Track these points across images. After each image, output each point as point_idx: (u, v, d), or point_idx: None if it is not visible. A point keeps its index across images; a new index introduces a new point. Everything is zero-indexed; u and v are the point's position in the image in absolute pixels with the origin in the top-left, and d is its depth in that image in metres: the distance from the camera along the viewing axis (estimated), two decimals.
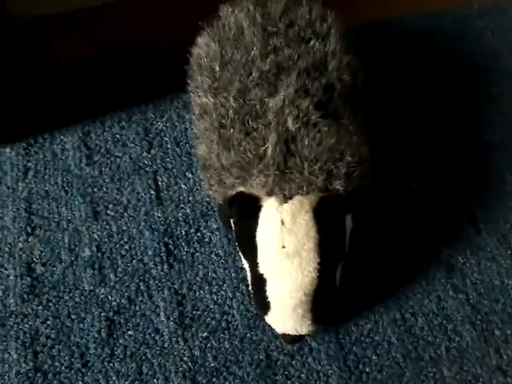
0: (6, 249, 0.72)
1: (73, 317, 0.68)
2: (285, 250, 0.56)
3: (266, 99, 0.59)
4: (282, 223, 0.56)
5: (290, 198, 0.57)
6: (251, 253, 0.59)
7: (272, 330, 0.64)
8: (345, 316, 0.67)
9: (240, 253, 0.62)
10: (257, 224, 0.58)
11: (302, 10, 0.65)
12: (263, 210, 0.57)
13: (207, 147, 0.61)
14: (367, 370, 0.64)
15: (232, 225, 0.62)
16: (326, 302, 0.59)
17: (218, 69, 0.62)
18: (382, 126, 0.79)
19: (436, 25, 0.92)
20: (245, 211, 0.58)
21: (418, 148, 0.79)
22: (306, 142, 0.57)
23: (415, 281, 0.70)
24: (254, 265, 0.59)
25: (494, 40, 0.90)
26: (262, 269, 0.58)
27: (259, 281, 0.59)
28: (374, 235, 0.72)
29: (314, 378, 0.64)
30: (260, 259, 0.58)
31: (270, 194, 0.57)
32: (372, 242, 0.71)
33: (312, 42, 0.62)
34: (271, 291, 0.58)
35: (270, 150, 0.56)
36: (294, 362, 0.65)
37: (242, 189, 0.58)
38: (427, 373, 0.64)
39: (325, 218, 0.57)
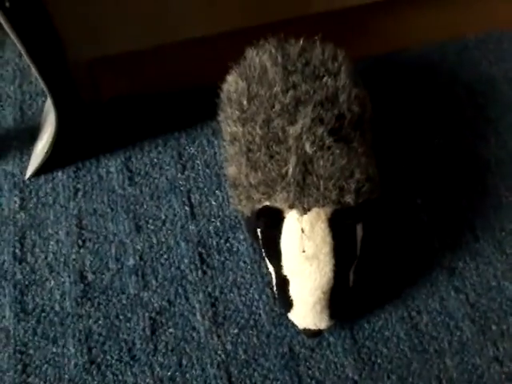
0: (61, 259, 0.78)
1: (120, 317, 0.74)
2: (305, 254, 0.62)
3: (286, 127, 0.65)
4: (302, 231, 0.62)
5: (309, 210, 0.62)
6: (276, 258, 0.65)
7: (294, 326, 0.70)
8: (358, 314, 0.73)
9: (266, 258, 0.69)
10: (280, 233, 0.64)
11: (316, 50, 0.71)
12: (286, 220, 0.63)
13: (237, 168, 0.68)
14: (379, 361, 0.70)
15: (259, 234, 0.68)
16: (341, 299, 0.66)
17: (245, 102, 0.68)
18: (390, 148, 0.85)
19: (437, 55, 0.97)
20: (270, 222, 0.64)
21: (422, 166, 0.85)
22: (322, 163, 0.63)
23: (420, 283, 0.75)
24: (278, 268, 0.65)
25: (490, 68, 0.96)
26: (285, 271, 0.64)
27: (283, 282, 0.65)
28: (383, 242, 0.77)
29: (332, 369, 0.70)
30: (284, 263, 0.64)
31: (291, 206, 0.63)
32: (381, 248, 0.77)
33: (325, 79, 0.68)
34: (294, 290, 0.65)
35: (290, 170, 0.63)
36: (314, 355, 0.70)
37: (267, 203, 0.64)
38: (432, 363, 0.70)
39: (338, 227, 0.63)
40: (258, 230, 0.68)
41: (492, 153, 0.86)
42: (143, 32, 0.79)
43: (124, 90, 0.91)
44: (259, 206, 0.65)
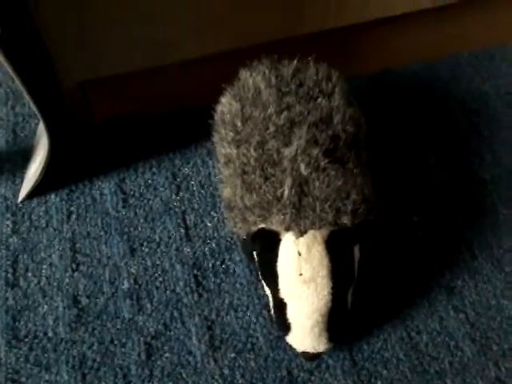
0: (55, 283, 0.77)
1: (115, 342, 0.72)
2: (302, 277, 0.61)
3: (281, 149, 0.64)
4: (299, 254, 0.61)
5: (305, 232, 0.62)
6: (273, 280, 0.64)
7: (292, 349, 0.69)
8: (357, 335, 0.72)
9: (262, 281, 0.68)
10: (277, 255, 0.63)
11: (310, 71, 0.71)
12: (282, 243, 0.63)
13: (232, 190, 0.67)
14: (379, 383, 0.69)
15: (255, 257, 0.67)
16: (340, 322, 0.65)
17: (239, 124, 0.68)
18: (385, 167, 0.85)
19: (430, 72, 0.98)
20: (266, 245, 0.63)
21: (418, 185, 0.85)
22: (317, 184, 0.62)
23: (419, 303, 0.74)
24: (275, 291, 0.64)
25: (483, 84, 0.96)
26: (282, 294, 0.64)
27: (280, 305, 0.64)
28: (381, 263, 0.77)
29: None
30: (281, 286, 0.64)
31: (287, 229, 0.62)
32: (379, 268, 0.76)
33: (319, 100, 0.68)
34: (291, 314, 0.64)
35: (286, 192, 0.62)
36: (312, 378, 0.69)
37: (263, 225, 0.64)
38: None
39: (335, 249, 0.62)
40: (254, 252, 0.67)
41: (487, 170, 0.86)
42: (135, 54, 0.79)
43: (117, 112, 0.91)
44: (255, 229, 0.65)
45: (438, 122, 0.92)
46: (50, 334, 0.74)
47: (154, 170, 0.88)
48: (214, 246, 0.80)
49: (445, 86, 0.97)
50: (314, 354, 0.67)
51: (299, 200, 0.63)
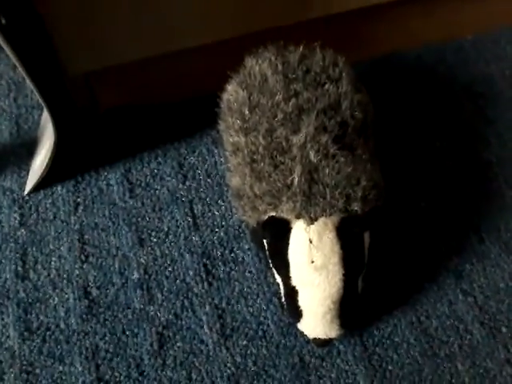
0: (65, 275, 0.77)
1: (127, 332, 0.73)
2: (313, 264, 0.62)
3: (290, 136, 0.64)
4: (310, 241, 0.62)
5: (316, 220, 0.62)
6: (284, 268, 0.64)
7: (304, 335, 0.69)
8: (367, 321, 0.72)
9: (273, 269, 0.68)
10: (288, 243, 0.63)
11: (317, 57, 0.71)
12: (293, 231, 0.63)
13: (241, 179, 0.67)
14: (390, 368, 0.70)
15: (265, 245, 0.67)
16: (351, 308, 0.65)
17: (247, 112, 0.67)
18: (391, 152, 0.85)
19: (434, 56, 0.97)
20: (277, 233, 0.63)
21: (425, 169, 0.85)
22: (327, 172, 0.62)
23: (428, 287, 0.75)
24: (286, 279, 0.65)
25: (487, 67, 0.96)
26: (294, 282, 0.64)
27: (292, 292, 0.65)
28: (389, 248, 0.77)
29: (343, 377, 0.69)
30: (292, 273, 0.64)
31: (298, 217, 0.62)
32: (388, 254, 0.77)
33: (327, 86, 0.68)
34: (303, 301, 0.64)
35: (296, 180, 0.62)
36: (324, 364, 0.70)
37: (273, 213, 0.64)
38: (443, 368, 0.69)
39: (346, 236, 0.62)
40: (265, 240, 0.67)
41: (493, 153, 0.86)
42: (140, 43, 0.78)
43: (122, 101, 0.91)
44: (265, 217, 0.65)
45: (443, 105, 0.92)
46: (62, 325, 0.74)
47: (159, 159, 0.88)
48: (222, 234, 0.80)
49: (449, 70, 0.96)
50: (325, 340, 0.67)
51: (309, 187, 0.63)
